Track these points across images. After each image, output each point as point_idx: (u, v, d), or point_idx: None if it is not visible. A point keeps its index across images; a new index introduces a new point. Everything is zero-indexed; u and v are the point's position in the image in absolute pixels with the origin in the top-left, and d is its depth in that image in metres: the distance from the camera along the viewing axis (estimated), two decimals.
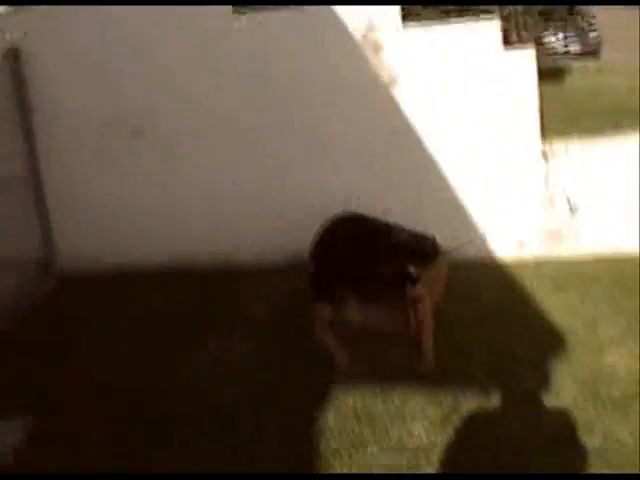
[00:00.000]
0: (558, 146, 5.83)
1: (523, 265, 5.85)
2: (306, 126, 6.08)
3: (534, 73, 5.74)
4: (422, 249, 4.57)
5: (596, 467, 3.47)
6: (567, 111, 6.59)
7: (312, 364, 4.52)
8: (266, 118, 6.10)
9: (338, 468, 3.62)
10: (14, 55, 6.13)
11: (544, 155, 5.78)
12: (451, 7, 8.65)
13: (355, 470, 3.59)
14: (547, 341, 4.63)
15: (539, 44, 10.28)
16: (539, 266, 5.79)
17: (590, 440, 3.65)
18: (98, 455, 3.90)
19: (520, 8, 10.94)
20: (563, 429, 3.76)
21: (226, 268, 6.30)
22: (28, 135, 6.28)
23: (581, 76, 9.25)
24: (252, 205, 6.28)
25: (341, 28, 5.81)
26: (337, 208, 5.17)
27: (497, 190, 5.93)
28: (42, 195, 6.42)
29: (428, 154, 5.92)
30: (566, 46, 12.65)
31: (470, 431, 3.81)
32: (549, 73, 7.88)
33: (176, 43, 6.08)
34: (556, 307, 5.04)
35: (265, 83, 6.03)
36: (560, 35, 12.66)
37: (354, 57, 5.87)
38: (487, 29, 5.76)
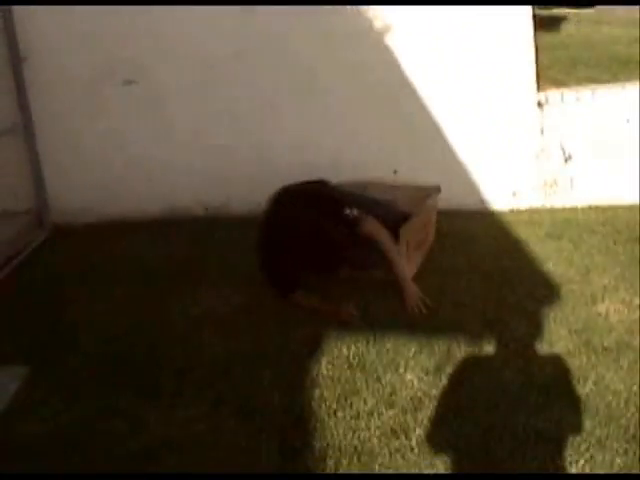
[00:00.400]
0: (553, 95, 5.76)
1: (518, 215, 5.85)
2: (299, 78, 6.02)
3: (529, 21, 5.65)
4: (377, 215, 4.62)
5: (588, 415, 3.45)
6: (563, 60, 6.52)
7: (304, 315, 4.50)
8: (258, 70, 6.04)
9: (332, 416, 3.60)
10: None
11: (539, 105, 5.70)
12: None
13: (348, 419, 3.57)
14: (540, 290, 4.60)
15: None
16: (534, 216, 5.78)
17: (582, 388, 3.63)
18: (89, 406, 3.90)
19: None
20: (556, 377, 3.75)
21: (219, 220, 6.28)
22: (19, 86, 6.22)
23: (578, 25, 9.16)
24: (244, 157, 6.24)
25: None
26: (328, 161, 5.16)
27: (492, 140, 5.88)
28: (34, 146, 6.37)
29: (421, 104, 5.85)
30: None
31: (463, 380, 3.79)
32: (545, 21, 7.79)
33: None
34: (550, 256, 5.02)
35: (257, 34, 5.96)
36: None
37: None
38: None
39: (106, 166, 6.46)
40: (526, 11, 5.63)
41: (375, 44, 5.85)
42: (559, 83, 5.93)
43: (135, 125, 6.35)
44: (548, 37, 7.03)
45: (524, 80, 5.76)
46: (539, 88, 5.79)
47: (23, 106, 6.30)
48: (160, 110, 6.30)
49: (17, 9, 6.17)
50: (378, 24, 5.80)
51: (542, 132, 5.81)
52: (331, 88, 5.97)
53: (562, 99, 5.77)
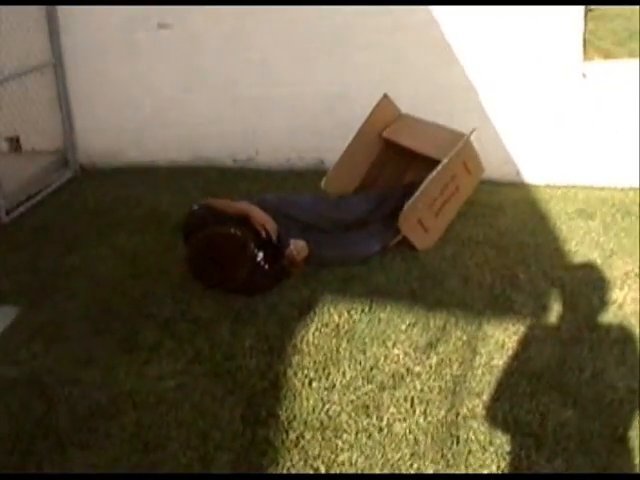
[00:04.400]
0: (599, 66, 5.41)
1: (552, 190, 5.54)
2: (334, 32, 5.78)
3: None
4: None
5: (577, 409, 3.21)
6: (619, 32, 6.13)
7: (305, 277, 4.31)
8: (293, 21, 5.83)
9: (306, 386, 3.44)
10: None
11: (584, 75, 5.35)
12: None
13: (322, 390, 3.41)
14: (556, 271, 4.32)
15: None
16: (569, 192, 5.47)
17: (576, 380, 3.38)
18: (67, 352, 3.82)
19: None
20: (550, 366, 3.50)
21: (246, 171, 6.14)
22: (52, 25, 6.13)
23: None
24: (274, 109, 6.04)
25: None
26: (359, 117, 4.94)
27: (532, 110, 5.55)
28: (64, 86, 6.27)
29: (458, 68, 5.56)
30: None
31: (452, 360, 3.57)
32: None
33: None
34: (575, 235, 4.73)
35: None
36: None
37: None
38: None
39: (135, 110, 6.34)
40: None
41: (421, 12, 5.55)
42: (609, 54, 5.51)
43: (166, 70, 6.20)
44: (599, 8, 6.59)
45: (570, 50, 5.38)
46: (585, 58, 5.40)
47: (55, 45, 6.20)
48: (192, 57, 6.12)
49: None
50: None
51: (585, 104, 5.44)
52: (366, 44, 5.69)
53: (607, 70, 5.39)
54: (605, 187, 5.50)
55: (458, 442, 3.07)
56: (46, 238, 5.10)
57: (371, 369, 3.52)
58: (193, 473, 3.02)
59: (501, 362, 3.54)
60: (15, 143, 6.53)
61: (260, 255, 4.15)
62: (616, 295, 4.06)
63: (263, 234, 4.22)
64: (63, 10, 6.13)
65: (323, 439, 3.13)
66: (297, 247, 4.20)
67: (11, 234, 5.23)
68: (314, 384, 3.45)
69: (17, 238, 5.14)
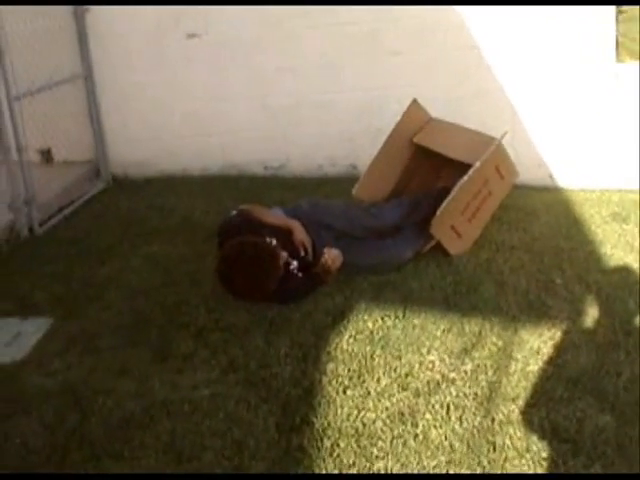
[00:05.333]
0: (632, 67, 5.35)
1: (586, 194, 5.52)
2: (363, 39, 5.78)
3: None
4: None
5: (615, 414, 3.16)
6: None
7: (338, 285, 4.29)
8: (322, 28, 5.84)
9: (340, 394, 3.41)
10: None
11: (616, 76, 5.29)
12: None
13: (357, 397, 3.38)
14: (592, 275, 4.28)
15: None
16: (603, 195, 5.45)
17: (614, 385, 3.34)
18: (100, 362, 3.83)
19: None
20: (587, 371, 3.45)
21: (277, 179, 6.15)
22: (81, 37, 6.20)
23: None
24: (305, 116, 6.06)
25: None
26: (390, 124, 4.91)
27: (565, 113, 5.49)
28: (95, 97, 6.33)
29: (491, 71, 5.52)
30: None
31: (487, 366, 3.53)
32: None
33: None
34: (610, 239, 4.70)
35: None
36: None
37: None
38: None
39: (166, 120, 6.37)
40: None
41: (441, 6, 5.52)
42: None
43: (196, 79, 6.23)
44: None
45: (603, 51, 5.35)
46: (618, 60, 5.35)
47: (84, 56, 6.25)
48: (222, 65, 6.15)
49: None
50: None
51: (618, 105, 5.38)
52: (395, 50, 5.67)
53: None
54: (637, 190, 5.42)
55: (495, 449, 3.03)
56: (79, 249, 5.12)
57: (406, 376, 3.49)
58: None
59: (537, 367, 3.50)
60: (47, 155, 6.56)
61: (294, 263, 4.14)
62: None
63: (302, 253, 4.21)
64: (91, 21, 6.19)
65: (358, 447, 3.10)
66: (331, 255, 4.19)
67: (45, 246, 5.26)
68: (348, 392, 3.42)
69: (51, 249, 5.17)
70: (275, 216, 4.37)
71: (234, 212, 4.28)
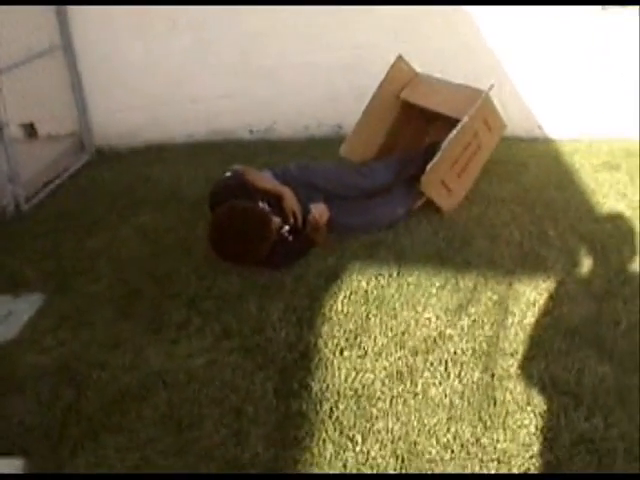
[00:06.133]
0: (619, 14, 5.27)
1: (575, 144, 5.44)
2: None
3: None
4: None
5: (614, 364, 3.14)
6: None
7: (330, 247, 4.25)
8: None
9: (337, 356, 3.39)
10: None
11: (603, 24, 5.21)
12: None
13: (354, 358, 3.35)
14: (585, 225, 4.24)
15: None
16: (592, 145, 5.36)
17: (612, 333, 3.31)
18: (94, 336, 3.79)
19: None
20: (585, 321, 3.43)
21: (264, 143, 6.09)
22: (59, 6, 6.01)
23: None
24: (290, 78, 5.99)
25: None
26: (376, 84, 4.83)
27: (552, 64, 5.42)
28: (75, 68, 6.21)
29: (477, 25, 5.45)
30: None
31: (484, 321, 3.50)
32: None
33: None
34: (602, 188, 4.64)
35: None
36: None
37: None
38: None
39: (148, 88, 6.27)
40: None
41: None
42: None
43: (178, 45, 6.10)
44: None
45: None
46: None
47: (63, 27, 6.11)
48: (204, 30, 6.02)
49: None
50: None
51: (606, 53, 5.30)
52: (381, 7, 5.56)
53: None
54: (629, 139, 5.36)
55: (495, 404, 3.01)
56: (67, 224, 5.05)
57: (402, 334, 3.47)
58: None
59: (534, 320, 3.47)
60: (30, 129, 6.47)
61: (286, 227, 4.09)
62: None
63: (291, 220, 4.15)
64: None
65: (358, 408, 3.08)
66: (318, 210, 4.14)
67: (32, 222, 5.19)
68: (345, 353, 3.40)
69: (38, 225, 5.10)
70: (267, 180, 4.30)
71: (228, 173, 4.21)
